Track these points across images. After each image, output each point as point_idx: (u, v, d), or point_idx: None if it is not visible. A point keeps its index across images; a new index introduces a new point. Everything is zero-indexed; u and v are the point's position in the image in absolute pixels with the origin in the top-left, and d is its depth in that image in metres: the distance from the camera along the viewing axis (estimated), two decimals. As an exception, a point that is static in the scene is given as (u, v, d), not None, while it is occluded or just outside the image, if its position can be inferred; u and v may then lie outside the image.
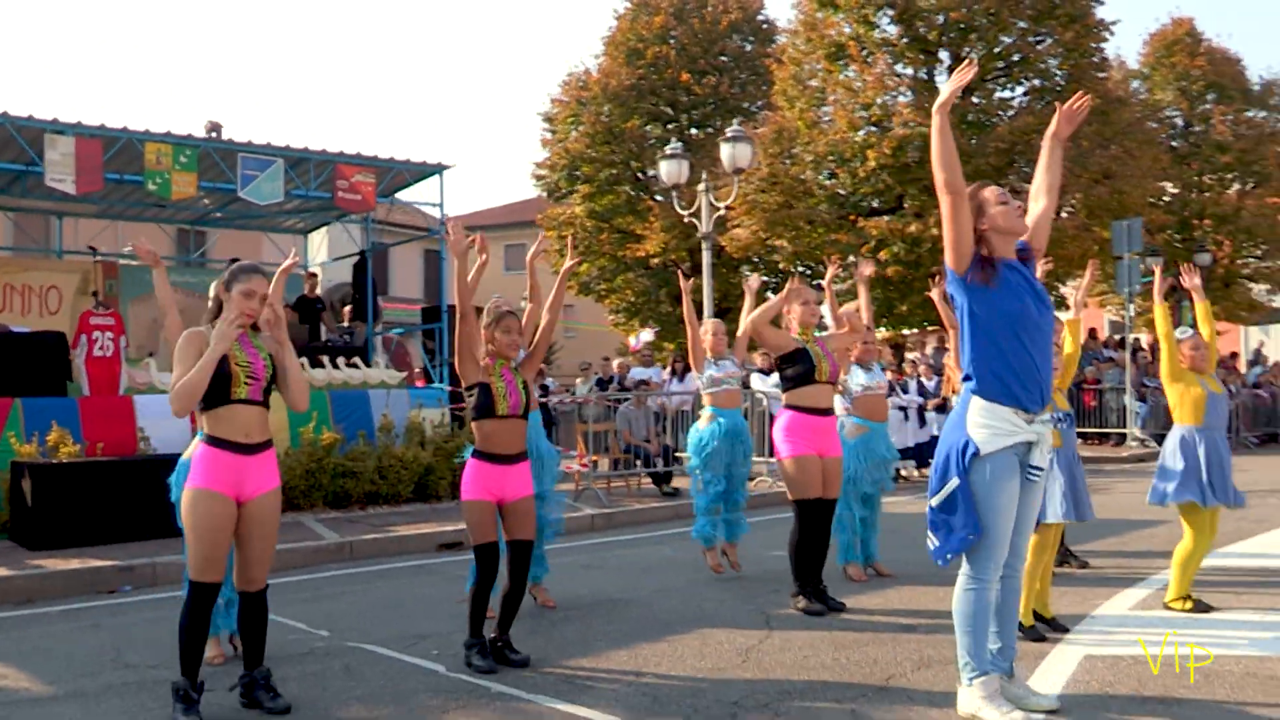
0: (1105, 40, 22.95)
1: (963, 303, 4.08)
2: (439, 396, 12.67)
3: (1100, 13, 22.76)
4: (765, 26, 31.25)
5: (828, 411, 6.27)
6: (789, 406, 6.28)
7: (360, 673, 4.93)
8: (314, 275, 14.18)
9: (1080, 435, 17.40)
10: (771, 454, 14.29)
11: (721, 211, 16.11)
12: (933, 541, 4.07)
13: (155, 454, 9.86)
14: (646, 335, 30.19)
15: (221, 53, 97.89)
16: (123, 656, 5.45)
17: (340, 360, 12.19)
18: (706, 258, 15.65)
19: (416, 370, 17.86)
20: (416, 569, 8.38)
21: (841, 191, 23.95)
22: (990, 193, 4.13)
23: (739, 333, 6.62)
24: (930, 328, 26.05)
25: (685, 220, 27.08)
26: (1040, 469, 4.06)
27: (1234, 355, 26.30)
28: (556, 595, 6.57)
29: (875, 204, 24.06)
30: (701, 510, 7.34)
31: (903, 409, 16.29)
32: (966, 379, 4.11)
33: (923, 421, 16.56)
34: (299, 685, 4.73)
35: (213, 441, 4.28)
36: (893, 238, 22.40)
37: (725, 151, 15.08)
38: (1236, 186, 30.72)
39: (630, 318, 31.16)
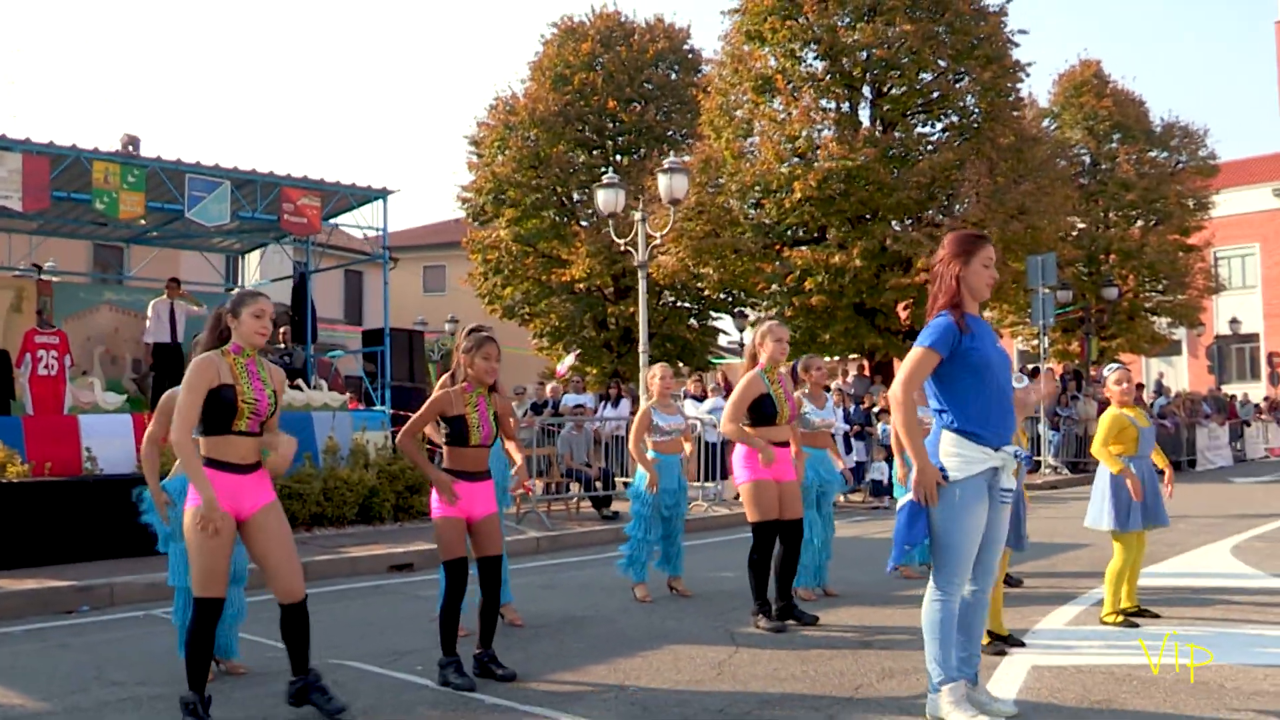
0: (1021, 80, 23.93)
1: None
2: (381, 419, 12.77)
3: (1016, 54, 23.75)
4: (691, 56, 31.84)
5: (784, 444, 6.65)
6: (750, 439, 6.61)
7: (353, 688, 5.09)
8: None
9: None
10: (707, 479, 14.82)
11: (657, 240, 16.43)
12: (900, 558, 4.45)
13: (105, 474, 9.83)
14: (569, 360, 30.51)
15: (145, 67, 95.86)
16: (106, 674, 5.53)
17: (300, 382, 12.23)
18: (642, 286, 15.99)
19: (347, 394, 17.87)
20: (373, 589, 8.50)
21: (767, 221, 24.48)
22: (986, 251, 4.47)
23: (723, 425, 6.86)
24: (851, 356, 26.76)
25: (621, 248, 27.56)
26: (1010, 490, 4.45)
27: (1140, 387, 27.42)
28: (522, 614, 6.80)
29: (800, 234, 24.67)
30: (635, 550, 7.67)
31: (832, 435, 16.74)
32: (939, 413, 4.48)
33: (849, 448, 17.01)
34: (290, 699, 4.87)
35: (210, 463, 4.43)
36: (817, 268, 22.95)
37: (662, 182, 15.44)
38: (1140, 223, 32.09)
39: (554, 342, 31.38)
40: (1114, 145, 32.72)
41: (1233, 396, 29.87)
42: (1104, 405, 8.37)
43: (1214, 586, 7.70)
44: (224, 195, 11.34)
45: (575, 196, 31.00)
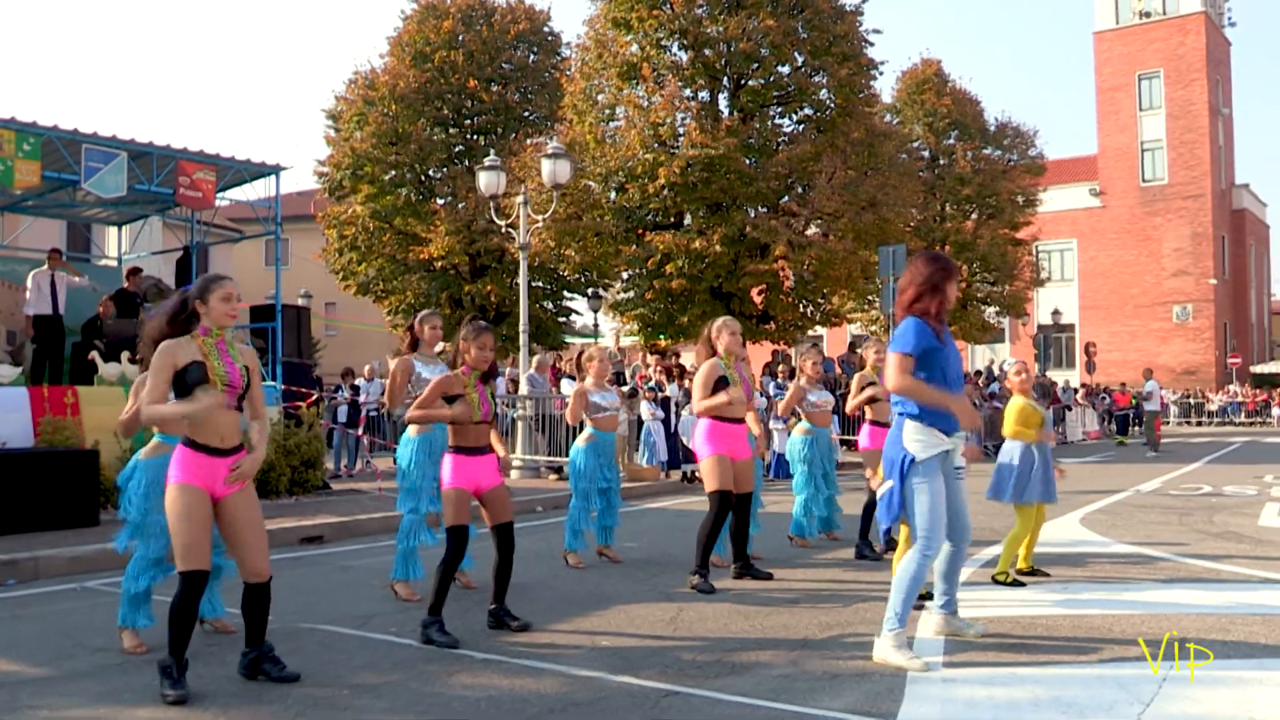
0: (875, 78, 25.15)
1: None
2: (274, 394, 12.77)
3: (870, 52, 24.94)
4: (551, 39, 32.06)
5: (739, 421, 7.24)
6: (711, 416, 7.18)
7: (341, 648, 5.40)
8: (137, 270, 13.86)
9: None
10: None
11: (539, 223, 16.78)
12: (893, 519, 5.15)
13: (7, 448, 9.65)
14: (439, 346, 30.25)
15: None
16: (85, 641, 5.65)
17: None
18: (523, 267, 16.35)
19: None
20: (292, 561, 8.64)
21: (628, 206, 25.02)
22: (954, 284, 5.20)
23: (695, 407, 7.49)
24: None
25: (481, 227, 27.58)
26: (961, 468, 5.20)
27: (978, 373, 29.21)
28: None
29: (660, 219, 25.33)
30: (575, 521, 8.19)
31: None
32: (901, 403, 5.15)
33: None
34: (289, 661, 5.15)
35: (189, 444, 4.61)
36: (678, 252, 23.66)
37: (546, 168, 15.83)
38: (974, 217, 34.03)
39: (408, 319, 31.22)
40: (951, 142, 34.61)
41: (1054, 382, 32.12)
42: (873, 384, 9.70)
43: (1078, 552, 8.67)
44: (120, 167, 11.15)
45: (433, 174, 30.90)
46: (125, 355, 11.77)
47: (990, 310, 36.22)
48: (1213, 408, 44.26)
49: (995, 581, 7.14)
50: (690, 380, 18.49)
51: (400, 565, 6.90)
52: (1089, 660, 5.09)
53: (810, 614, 6.22)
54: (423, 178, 30.78)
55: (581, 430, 8.55)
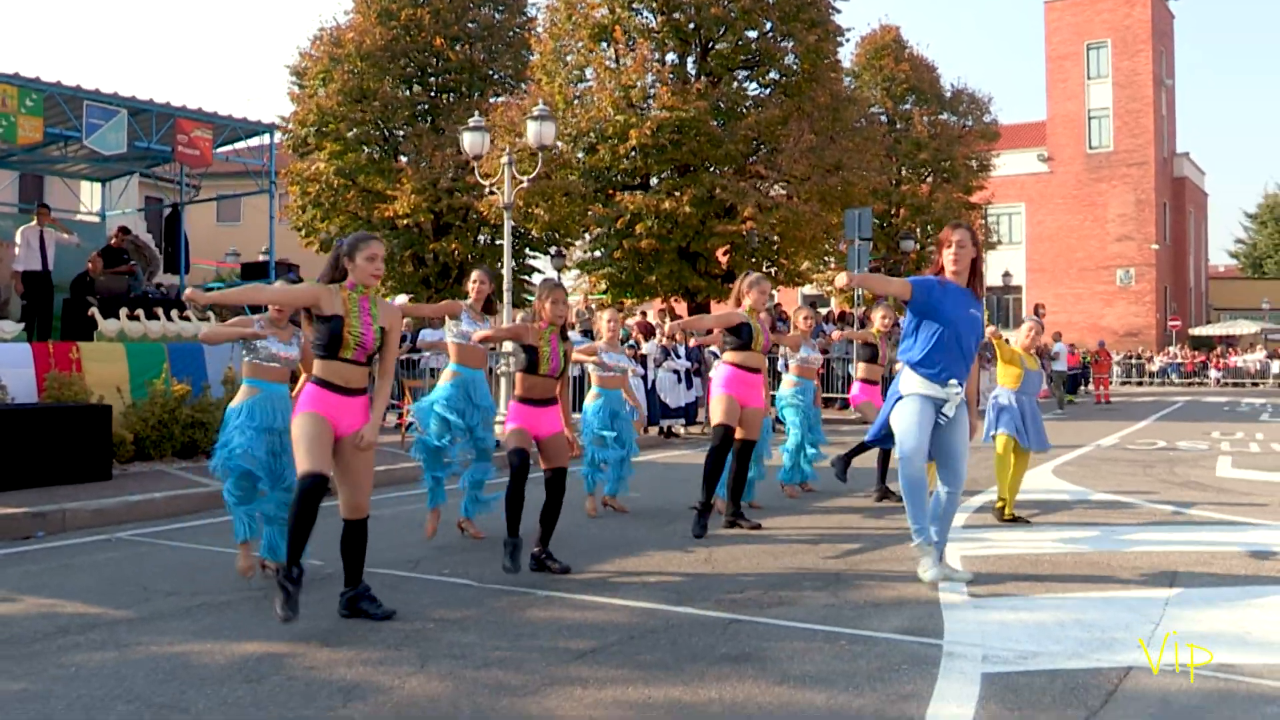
0: (841, 44, 25.53)
1: (910, 314, 5.65)
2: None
3: (837, 19, 25.31)
4: (516, -1, 31.99)
5: (756, 370, 7.64)
6: (729, 362, 7.58)
7: (404, 589, 5.73)
8: (125, 229, 13.91)
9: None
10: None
11: (524, 184, 17.00)
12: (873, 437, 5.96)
13: (16, 404, 9.80)
14: (402, 299, 30.28)
15: None
16: (153, 586, 5.93)
17: (174, 313, 12.25)
18: (508, 228, 16.60)
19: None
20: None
21: (599, 166, 25.23)
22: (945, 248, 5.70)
23: (704, 317, 7.92)
24: (674, 297, 28.04)
25: (447, 186, 27.60)
26: (947, 416, 5.66)
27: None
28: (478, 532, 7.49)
29: (629, 180, 25.60)
30: (590, 469, 8.60)
31: (675, 372, 17.84)
32: (907, 353, 5.67)
33: (690, 384, 18.17)
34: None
35: (318, 382, 4.97)
36: (648, 213, 23.98)
37: (531, 129, 16.03)
38: (930, 181, 34.65)
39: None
40: (908, 107, 35.13)
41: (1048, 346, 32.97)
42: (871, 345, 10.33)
43: (1061, 500, 9.26)
44: (121, 124, 11.23)
45: (398, 132, 30.82)
46: (124, 311, 11.90)
47: (944, 273, 36.96)
48: (1154, 368, 45.62)
49: (998, 514, 7.72)
50: (662, 336, 19.01)
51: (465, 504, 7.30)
52: (1098, 589, 5.61)
53: (832, 553, 6.68)
54: (387, 135, 30.69)
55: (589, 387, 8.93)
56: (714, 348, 17.21)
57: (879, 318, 9.88)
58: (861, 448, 8.89)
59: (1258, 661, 4.28)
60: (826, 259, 31.36)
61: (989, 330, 7.91)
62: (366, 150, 30.59)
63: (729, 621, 4.93)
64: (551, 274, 35.78)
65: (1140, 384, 44.41)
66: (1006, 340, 8.21)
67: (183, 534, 7.83)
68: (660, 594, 5.54)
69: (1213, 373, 44.47)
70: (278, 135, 30.90)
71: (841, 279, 5.65)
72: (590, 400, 8.81)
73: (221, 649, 4.57)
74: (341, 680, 4.09)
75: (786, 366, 10.07)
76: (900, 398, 5.75)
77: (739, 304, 7.68)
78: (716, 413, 7.57)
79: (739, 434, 7.56)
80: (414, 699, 3.87)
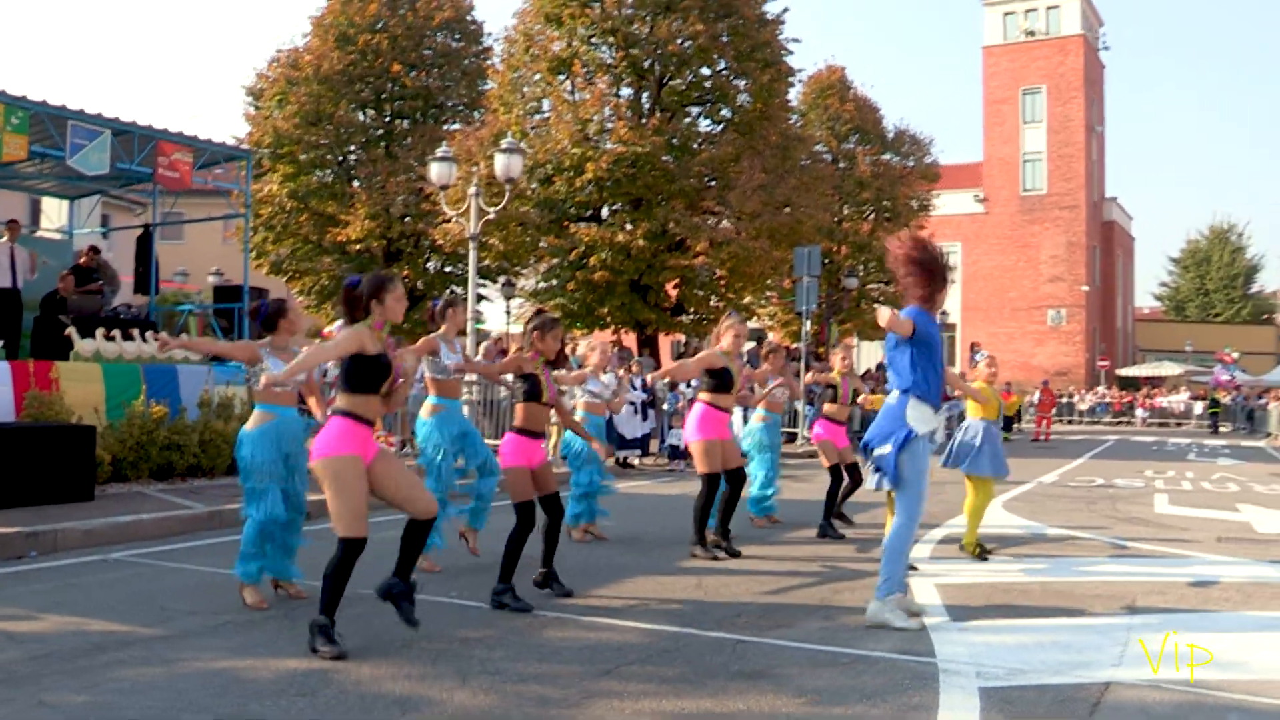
0: (792, 85, 26.26)
1: (907, 345, 6.00)
2: (240, 374, 13.08)
3: (789, 60, 26.06)
4: (474, 27, 32.33)
5: (728, 410, 8.11)
6: (705, 401, 7.99)
7: (424, 611, 5.84)
8: (95, 248, 13.97)
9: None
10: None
11: (490, 216, 17.31)
12: (874, 480, 5.98)
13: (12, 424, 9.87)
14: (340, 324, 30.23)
15: None
16: (170, 605, 6.13)
17: (149, 334, 12.35)
18: (473, 258, 16.89)
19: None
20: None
21: (554, 198, 25.59)
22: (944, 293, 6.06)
23: (687, 364, 8.29)
24: (624, 329, 28.44)
25: (400, 213, 27.74)
26: (936, 442, 6.09)
27: (880, 367, 30.60)
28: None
29: (583, 212, 26.02)
30: (576, 498, 8.95)
31: (631, 404, 18.19)
32: (904, 390, 6.02)
33: (645, 416, 18.54)
34: (381, 620, 5.73)
35: (352, 416, 5.21)
36: (602, 245, 24.39)
37: (499, 161, 16.36)
38: (872, 219, 35.53)
39: (322, 301, 31.24)
40: (852, 146, 36.05)
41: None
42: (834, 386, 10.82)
43: (1017, 534, 9.78)
44: (104, 145, 11.37)
45: (352, 157, 30.96)
46: (100, 332, 11.99)
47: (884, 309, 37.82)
48: (1083, 407, 46.98)
49: (963, 550, 8.15)
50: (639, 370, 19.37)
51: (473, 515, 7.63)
52: (1067, 615, 6.08)
53: (816, 581, 7.09)
54: (341, 159, 30.83)
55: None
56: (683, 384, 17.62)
57: (839, 360, 10.30)
58: (831, 499, 9.39)
59: (1218, 677, 4.75)
60: (769, 294, 32.03)
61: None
62: (320, 174, 30.69)
63: (736, 642, 5.30)
64: (501, 303, 36.08)
65: (1070, 422, 45.68)
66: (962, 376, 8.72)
67: (178, 555, 7.99)
68: (663, 617, 5.90)
69: (1139, 412, 45.94)
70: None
71: (884, 317, 5.83)
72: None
73: (264, 665, 4.82)
74: (392, 694, 4.38)
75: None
76: (912, 434, 5.87)
77: (717, 342, 8.12)
78: (701, 461, 7.99)
79: (725, 466, 7.98)
80: (466, 710, 4.17)
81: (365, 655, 5.00)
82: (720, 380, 8.06)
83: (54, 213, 16.33)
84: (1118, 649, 5.27)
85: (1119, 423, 45.67)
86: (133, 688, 4.44)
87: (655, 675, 4.68)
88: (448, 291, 31.20)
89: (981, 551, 8.15)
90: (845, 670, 4.80)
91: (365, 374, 5.19)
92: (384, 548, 5.67)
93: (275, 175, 29.56)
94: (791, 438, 22.87)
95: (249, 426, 6.33)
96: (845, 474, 9.61)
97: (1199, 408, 44.62)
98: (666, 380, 19.51)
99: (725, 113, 26.54)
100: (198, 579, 7.07)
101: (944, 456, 8.41)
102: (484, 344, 17.62)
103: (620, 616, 5.90)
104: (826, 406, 10.25)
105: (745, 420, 13.61)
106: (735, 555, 8.01)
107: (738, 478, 8.16)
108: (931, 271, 6.01)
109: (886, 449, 5.92)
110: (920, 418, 5.93)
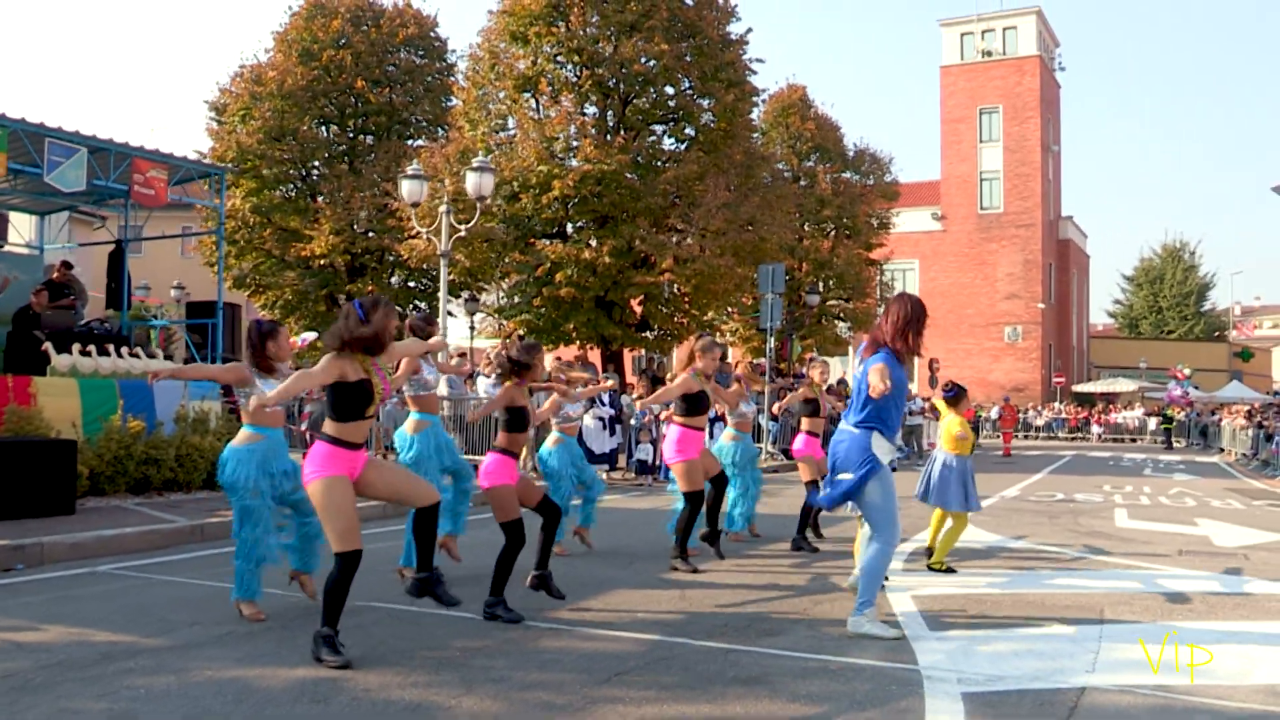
0: (756, 105, 26.62)
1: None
2: (215, 389, 13.15)
3: (753, 80, 26.44)
4: (438, 44, 32.52)
5: (702, 428, 8.43)
6: (681, 424, 8.25)
7: (415, 621, 6.16)
8: (68, 263, 13.96)
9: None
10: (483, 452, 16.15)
11: (462, 233, 17.45)
12: (834, 503, 6.23)
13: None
14: (310, 335, 30.39)
15: None
16: (167, 617, 6.23)
17: (124, 350, 12.39)
18: (444, 274, 17.02)
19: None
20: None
21: (520, 215, 25.75)
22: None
23: (671, 389, 8.46)
24: (590, 345, 28.63)
25: (364, 229, 27.79)
26: (893, 470, 6.36)
27: (841, 382, 30.96)
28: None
29: (549, 229, 26.21)
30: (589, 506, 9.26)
31: (600, 419, 18.37)
32: (864, 419, 6.27)
33: (613, 431, 18.73)
34: (380, 630, 5.91)
35: (337, 442, 5.29)
36: (568, 261, 24.58)
37: (470, 180, 16.54)
38: (832, 236, 36.01)
39: (286, 315, 31.22)
40: (812, 164, 36.55)
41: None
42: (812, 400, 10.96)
43: (985, 547, 10.05)
44: (81, 162, 11.44)
45: (316, 172, 31.00)
46: (76, 347, 12.02)
47: (843, 325, 38.36)
48: (1039, 423, 47.75)
49: (930, 569, 8.41)
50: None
51: (408, 553, 7.68)
52: (1039, 625, 6.35)
53: (795, 593, 7.33)
54: (305, 174, 30.86)
55: (549, 432, 9.48)
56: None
57: (816, 374, 10.57)
58: (806, 514, 9.66)
59: (1185, 683, 5.02)
60: (730, 310, 32.37)
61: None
62: (283, 189, 30.73)
63: (727, 650, 5.51)
64: (465, 319, 36.16)
65: (1027, 437, 46.40)
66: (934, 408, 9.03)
67: (164, 568, 8.08)
68: (654, 627, 6.09)
69: (1095, 428, 46.77)
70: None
71: (877, 390, 6.00)
72: (551, 444, 9.31)
73: (273, 674, 4.96)
74: (402, 700, 4.54)
75: (723, 421, 10.73)
76: (874, 466, 6.09)
77: (690, 363, 8.35)
78: (684, 481, 8.27)
79: (708, 477, 8.26)
80: (476, 716, 4.35)
81: (369, 664, 5.15)
82: (693, 404, 8.34)
83: (23, 228, 16.25)
84: (1090, 656, 5.53)
85: (1074, 438, 46.47)
86: (148, 695, 4.57)
87: (655, 682, 4.87)
88: (410, 307, 31.31)
89: (948, 568, 8.43)
90: (835, 677, 5.02)
91: (347, 401, 5.29)
92: (371, 559, 5.82)
93: (239, 190, 29.53)
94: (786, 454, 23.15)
95: (236, 443, 6.39)
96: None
97: (1153, 423, 45.50)
98: (636, 398, 19.79)
99: (689, 131, 26.84)
100: (191, 591, 7.17)
101: (919, 490, 8.68)
102: (454, 361, 17.69)
103: (612, 627, 6.09)
104: (805, 421, 10.46)
105: (711, 436, 13.89)
106: (720, 557, 8.32)
107: (720, 481, 8.51)
108: (917, 329, 6.22)
109: (849, 475, 6.16)
110: (883, 450, 6.22)
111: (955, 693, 4.75)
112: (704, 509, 8.48)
